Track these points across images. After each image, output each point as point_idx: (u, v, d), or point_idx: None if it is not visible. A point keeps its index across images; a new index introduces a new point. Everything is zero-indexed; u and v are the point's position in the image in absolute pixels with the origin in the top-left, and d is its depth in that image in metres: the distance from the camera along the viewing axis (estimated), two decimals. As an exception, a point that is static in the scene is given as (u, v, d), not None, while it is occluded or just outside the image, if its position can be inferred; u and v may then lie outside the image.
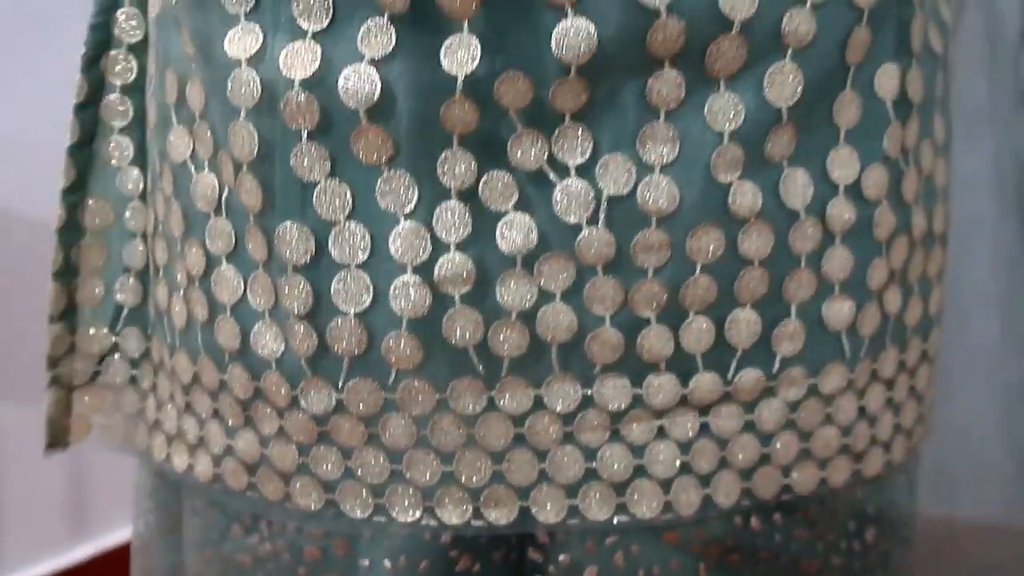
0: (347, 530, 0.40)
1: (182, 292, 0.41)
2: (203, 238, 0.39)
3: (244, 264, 0.38)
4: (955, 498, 0.63)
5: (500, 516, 0.38)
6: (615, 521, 0.38)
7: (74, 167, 0.44)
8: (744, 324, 0.36)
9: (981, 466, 0.62)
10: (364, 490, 0.38)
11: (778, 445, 0.38)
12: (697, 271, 0.35)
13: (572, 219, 0.35)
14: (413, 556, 0.40)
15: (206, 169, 0.38)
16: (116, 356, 0.45)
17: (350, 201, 0.35)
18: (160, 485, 0.47)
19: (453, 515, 0.38)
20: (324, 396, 0.37)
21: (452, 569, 0.40)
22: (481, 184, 0.35)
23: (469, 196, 0.35)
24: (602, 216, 0.35)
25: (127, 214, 0.44)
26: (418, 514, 0.38)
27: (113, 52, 0.44)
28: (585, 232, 0.35)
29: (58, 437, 0.46)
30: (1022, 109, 0.48)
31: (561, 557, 0.40)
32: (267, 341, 0.38)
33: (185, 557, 0.45)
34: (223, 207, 0.38)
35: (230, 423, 0.40)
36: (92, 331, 0.45)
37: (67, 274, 0.44)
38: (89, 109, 0.44)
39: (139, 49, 0.44)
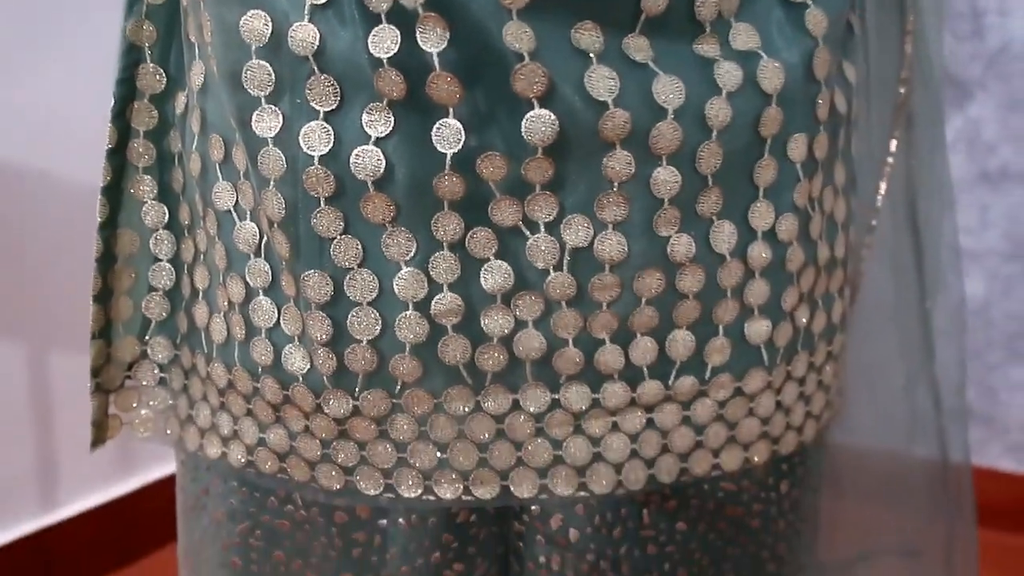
0: (365, 504, 0.48)
1: (222, 314, 0.48)
2: (243, 273, 0.46)
3: (278, 297, 0.46)
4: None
5: (485, 493, 0.47)
6: (576, 496, 0.47)
7: (107, 205, 0.50)
8: (681, 342, 0.45)
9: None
10: (376, 473, 0.47)
11: (709, 434, 0.48)
12: (643, 304, 0.44)
13: (541, 265, 0.43)
14: (423, 514, 0.49)
15: (248, 219, 0.45)
16: (145, 362, 0.53)
17: (361, 252, 0.43)
18: (183, 471, 0.55)
19: (448, 492, 0.47)
20: (343, 403, 0.45)
21: (454, 521, 0.49)
22: (468, 238, 0.42)
23: (458, 247, 0.43)
24: (566, 263, 0.43)
25: (151, 242, 0.51)
26: (420, 492, 0.47)
27: (137, 103, 0.50)
28: (552, 275, 0.43)
29: (100, 436, 0.53)
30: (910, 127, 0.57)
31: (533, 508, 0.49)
32: (296, 360, 0.46)
33: (205, 536, 0.53)
34: (262, 251, 0.45)
35: (262, 419, 0.48)
36: (124, 342, 0.53)
37: (104, 296, 0.51)
38: (118, 154, 0.50)
39: (160, 99, 0.50)
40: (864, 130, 0.59)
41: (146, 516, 1.42)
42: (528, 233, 0.43)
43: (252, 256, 0.46)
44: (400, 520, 0.48)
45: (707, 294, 0.45)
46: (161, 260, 0.52)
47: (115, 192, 0.50)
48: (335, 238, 0.43)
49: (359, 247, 0.43)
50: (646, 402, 0.46)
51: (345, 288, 0.43)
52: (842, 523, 0.77)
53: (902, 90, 0.59)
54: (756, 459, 0.50)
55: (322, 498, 0.48)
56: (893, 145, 0.60)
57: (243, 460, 0.50)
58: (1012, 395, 1.52)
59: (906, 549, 0.75)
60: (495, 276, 0.43)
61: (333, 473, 0.48)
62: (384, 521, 0.49)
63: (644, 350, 0.45)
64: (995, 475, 1.54)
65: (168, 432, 0.54)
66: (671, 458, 0.48)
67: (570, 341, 0.44)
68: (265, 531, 0.51)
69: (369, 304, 0.44)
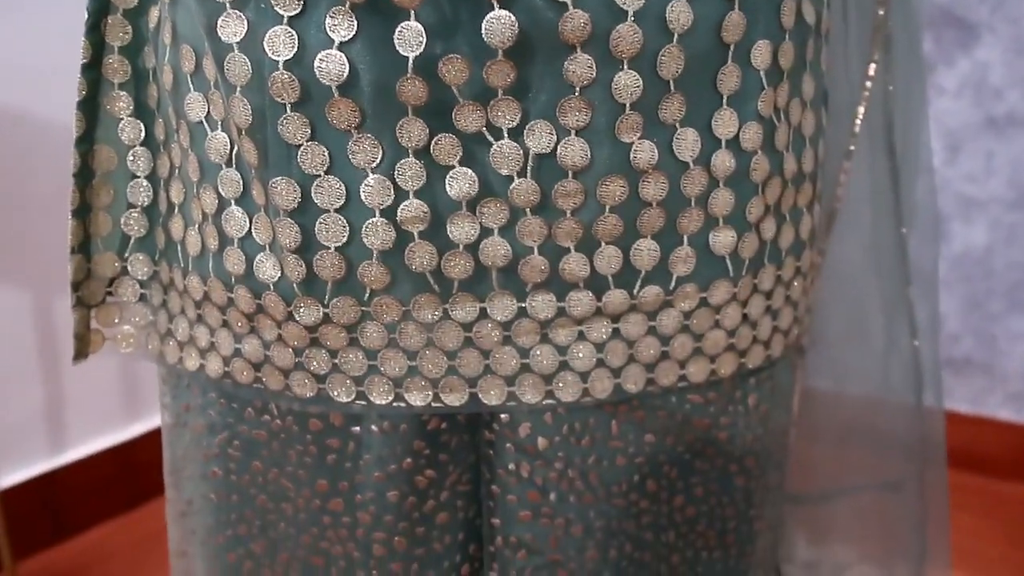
0: (338, 410, 0.50)
1: (197, 226, 0.49)
2: (216, 183, 0.47)
3: (249, 206, 0.46)
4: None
5: (454, 400, 0.48)
6: (543, 403, 0.48)
7: (83, 119, 0.51)
8: (646, 251, 0.46)
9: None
10: (348, 381, 0.48)
11: (675, 345, 0.49)
12: (607, 211, 0.45)
13: (505, 171, 0.43)
14: (395, 421, 0.50)
15: (219, 129, 0.46)
16: (126, 278, 0.54)
17: (328, 159, 0.44)
18: (165, 390, 0.56)
19: (418, 399, 0.48)
20: (313, 311, 0.47)
21: (425, 429, 0.50)
22: (432, 144, 0.43)
23: (423, 154, 0.43)
24: (529, 169, 0.43)
25: (129, 159, 0.52)
26: (391, 399, 0.48)
27: (111, 17, 0.50)
28: (516, 182, 0.44)
29: (81, 349, 0.55)
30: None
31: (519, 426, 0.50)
32: (267, 268, 0.47)
33: (187, 450, 0.55)
34: (233, 161, 0.46)
35: (237, 330, 0.50)
36: (103, 258, 0.54)
37: (82, 211, 0.53)
38: (93, 69, 0.51)
39: (134, 14, 0.51)
40: (842, 53, 0.59)
41: (153, 459, 1.44)
42: (492, 139, 0.43)
43: (224, 166, 0.47)
44: (373, 427, 0.50)
45: (671, 202, 0.45)
46: (139, 177, 0.53)
47: (91, 106, 0.51)
48: (302, 145, 0.43)
49: (325, 154, 0.44)
50: (612, 311, 0.47)
51: (312, 195, 0.44)
52: (820, 460, 0.79)
53: (881, 12, 0.58)
54: (722, 371, 0.51)
55: (296, 406, 0.50)
56: (872, 69, 0.59)
57: (220, 371, 0.51)
58: (1012, 344, 1.52)
59: (885, 483, 0.76)
60: (460, 183, 0.44)
61: (306, 381, 0.49)
62: (357, 428, 0.50)
63: (609, 259, 0.46)
64: (994, 424, 1.54)
65: (149, 347, 0.55)
66: (637, 368, 0.49)
67: (535, 249, 0.45)
68: (243, 441, 0.53)
69: (336, 211, 0.44)
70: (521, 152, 0.43)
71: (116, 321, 0.55)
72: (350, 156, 0.43)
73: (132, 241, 0.54)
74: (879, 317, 0.70)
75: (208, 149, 0.47)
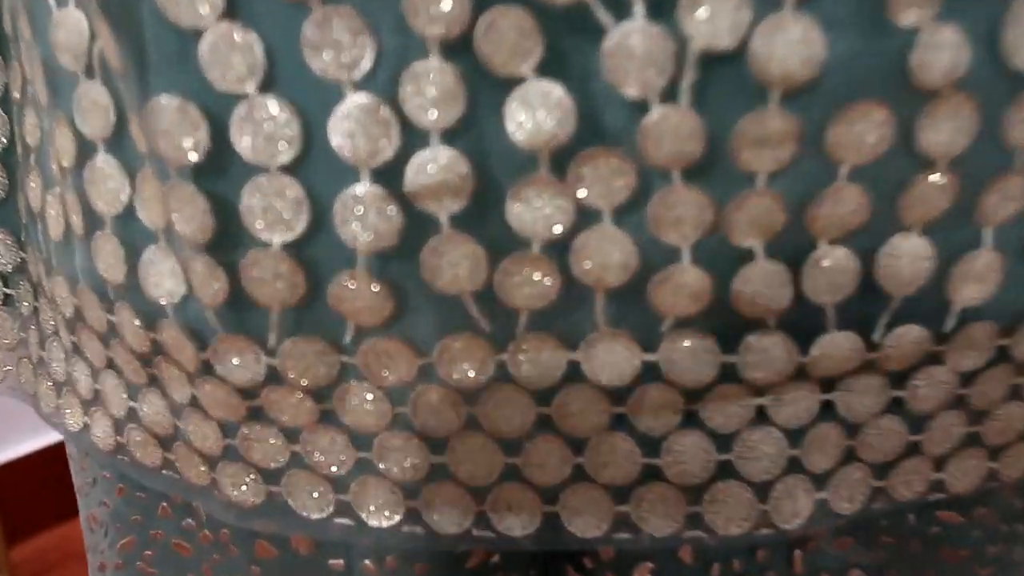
0: (304, 533, 0.28)
1: (57, 189, 0.27)
2: (71, 109, 0.25)
3: (127, 155, 0.24)
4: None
5: (515, 525, 0.26)
6: (683, 536, 0.26)
7: None
8: (907, 258, 0.23)
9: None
10: (320, 484, 0.26)
11: (935, 429, 0.26)
12: (840, 176, 0.21)
13: (633, 90, 0.20)
14: (406, 556, 0.28)
15: (71, 3, 0.24)
16: None
17: (258, 49, 0.21)
18: (68, 444, 0.35)
19: (447, 521, 0.26)
20: (249, 361, 0.24)
21: (460, 568, 0.29)
22: (479, 29, 0.20)
23: (458, 49, 0.20)
24: (685, 86, 0.20)
25: None
26: (397, 519, 0.27)
27: None
28: (655, 113, 0.20)
29: None
30: None
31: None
32: (161, 276, 0.24)
33: (92, 549, 0.34)
34: (95, 66, 0.24)
35: (129, 377, 0.28)
36: None
37: None
38: None
39: None
40: None
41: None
42: (608, 19, 0.20)
43: (82, 77, 0.24)
44: (366, 563, 0.28)
45: (972, 160, 0.22)
46: None
47: None
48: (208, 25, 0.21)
49: (253, 38, 0.21)
50: (824, 370, 0.24)
51: (232, 135, 0.22)
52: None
53: None
54: (1009, 473, 0.28)
55: (232, 518, 0.28)
56: None
57: (111, 440, 0.30)
58: None
59: None
60: (535, 112, 0.21)
61: (247, 478, 0.27)
62: (339, 563, 0.28)
63: (832, 272, 0.23)
64: None
65: (22, 380, 0.34)
66: (858, 472, 0.26)
67: (684, 250, 0.22)
68: (160, 552, 0.31)
69: (282, 168, 0.22)
70: (672, 47, 0.20)
71: None
72: (304, 48, 0.21)
73: None
74: None
75: (55, 42, 0.24)
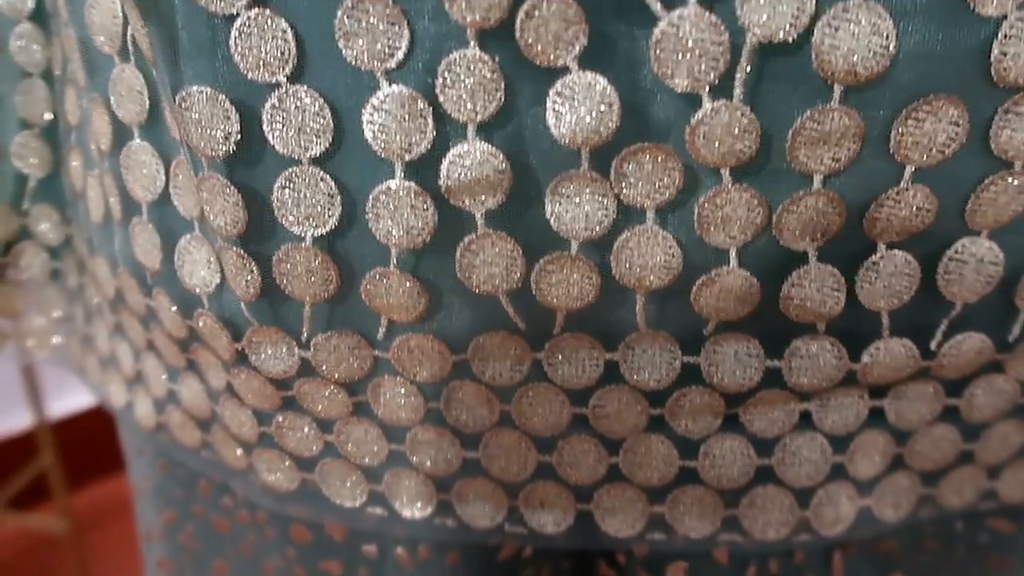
0: (337, 520, 0.28)
1: (96, 171, 0.27)
2: (106, 92, 0.25)
3: (161, 141, 0.24)
4: None
5: (547, 521, 0.26)
6: (719, 538, 0.25)
7: None
8: (974, 261, 0.21)
9: None
10: (354, 473, 0.26)
11: (991, 438, 0.24)
12: (905, 177, 0.20)
13: (682, 82, 0.19)
14: (438, 546, 0.28)
15: None
16: (28, 243, 0.33)
17: (292, 43, 0.20)
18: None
19: (481, 515, 0.26)
20: (282, 352, 0.24)
21: (491, 559, 0.29)
22: (520, 16, 0.19)
23: (498, 39, 0.19)
24: (740, 77, 0.19)
25: (19, 43, 0.30)
26: (429, 510, 0.26)
27: None
28: (706, 107, 0.19)
29: None
30: None
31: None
32: (196, 265, 0.24)
33: (140, 515, 0.34)
34: (129, 48, 0.23)
35: (168, 360, 0.28)
36: None
37: None
38: None
39: None
40: None
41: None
42: (659, 5, 0.19)
43: (117, 59, 0.24)
44: (398, 551, 0.28)
45: None
46: (32, 74, 0.30)
47: None
48: (240, 13, 0.20)
49: (288, 31, 0.20)
50: (877, 376, 0.23)
51: (266, 128, 0.21)
52: None
53: None
54: None
55: (268, 502, 0.28)
56: None
57: (151, 419, 0.30)
58: None
59: None
60: (575, 104, 0.20)
61: (281, 464, 0.27)
62: (371, 548, 0.28)
63: (889, 276, 0.22)
64: None
65: (71, 353, 0.35)
66: (907, 480, 0.25)
67: (732, 253, 0.21)
68: (199, 528, 0.32)
69: (314, 160, 0.21)
70: (725, 35, 0.19)
71: (20, 310, 0.34)
72: (337, 36, 0.20)
73: (32, 183, 0.32)
74: None
75: (90, 23, 0.24)
